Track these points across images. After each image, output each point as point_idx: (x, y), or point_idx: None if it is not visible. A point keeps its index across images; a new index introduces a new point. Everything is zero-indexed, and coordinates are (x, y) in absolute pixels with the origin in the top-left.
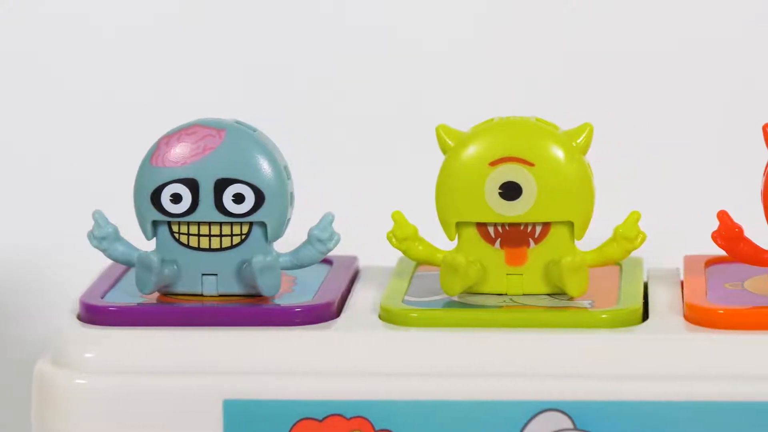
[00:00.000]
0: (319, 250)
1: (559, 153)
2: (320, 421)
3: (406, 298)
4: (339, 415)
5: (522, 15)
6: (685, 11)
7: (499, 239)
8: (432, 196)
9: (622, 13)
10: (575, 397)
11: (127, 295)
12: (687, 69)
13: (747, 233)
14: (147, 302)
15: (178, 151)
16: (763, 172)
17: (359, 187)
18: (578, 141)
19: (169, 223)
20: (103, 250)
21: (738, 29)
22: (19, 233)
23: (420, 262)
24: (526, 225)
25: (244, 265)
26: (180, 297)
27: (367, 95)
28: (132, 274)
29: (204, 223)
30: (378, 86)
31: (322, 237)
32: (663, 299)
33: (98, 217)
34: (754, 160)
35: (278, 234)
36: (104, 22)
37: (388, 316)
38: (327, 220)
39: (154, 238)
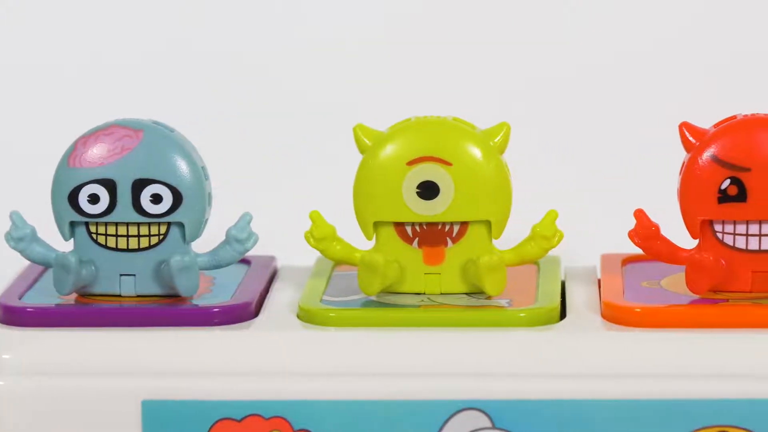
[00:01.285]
0: (237, 250)
1: (476, 152)
2: (239, 421)
3: (324, 297)
4: (258, 415)
5: (438, 14)
6: (610, 13)
7: (417, 238)
8: (350, 196)
9: (541, 12)
10: (494, 396)
11: (44, 296)
12: (604, 68)
13: (663, 232)
14: (65, 303)
15: (96, 152)
16: (679, 170)
17: (277, 187)
18: (495, 140)
19: (87, 224)
20: (21, 251)
21: (655, 33)
22: None
23: (338, 262)
24: (444, 224)
25: (162, 266)
26: (98, 298)
27: (283, 95)
28: (50, 275)
29: (122, 223)
30: (295, 86)
31: (240, 237)
32: (580, 298)
33: (15, 218)
34: (670, 159)
35: (196, 234)
36: (16, 22)
37: (306, 316)
38: (245, 220)
39: (72, 239)
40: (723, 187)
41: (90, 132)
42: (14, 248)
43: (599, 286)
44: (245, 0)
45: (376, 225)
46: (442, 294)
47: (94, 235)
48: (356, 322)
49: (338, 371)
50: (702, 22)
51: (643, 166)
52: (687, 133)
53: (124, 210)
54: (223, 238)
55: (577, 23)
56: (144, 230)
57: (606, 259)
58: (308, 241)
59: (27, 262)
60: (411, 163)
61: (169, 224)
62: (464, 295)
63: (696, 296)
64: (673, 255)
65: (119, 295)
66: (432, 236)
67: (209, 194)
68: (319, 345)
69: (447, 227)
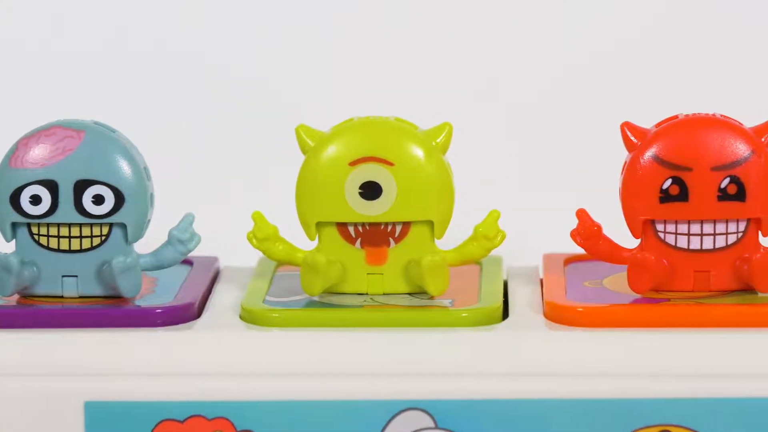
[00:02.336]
0: (179, 251)
1: (418, 152)
2: (182, 422)
3: (267, 298)
4: (200, 416)
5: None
6: (550, 11)
7: (360, 239)
8: (292, 196)
9: (482, 11)
10: (436, 396)
11: None
12: (546, 67)
13: (605, 231)
14: (7, 304)
15: (37, 153)
16: (621, 170)
17: (219, 188)
18: (438, 140)
19: (29, 225)
20: None
21: (598, 33)
22: None
23: (280, 262)
24: (387, 224)
25: (105, 267)
26: (40, 299)
27: (226, 95)
28: None
29: (64, 224)
30: (237, 86)
31: (182, 238)
32: (523, 297)
33: None
34: (612, 159)
35: (138, 235)
36: None
37: (249, 317)
38: (187, 220)
39: (14, 240)
40: (665, 186)
41: (31, 133)
42: None
43: (541, 286)
44: (186, 5)
45: (319, 225)
46: (384, 294)
47: (36, 236)
48: (299, 322)
49: (281, 372)
50: (641, 22)
51: (584, 166)
52: (628, 133)
53: (66, 211)
54: (165, 238)
55: (516, 21)
56: (86, 231)
57: (548, 258)
58: (251, 242)
59: None
60: (353, 163)
61: (111, 225)
62: (407, 295)
63: (638, 296)
64: (615, 254)
65: (61, 297)
66: (374, 236)
67: (151, 195)
68: (262, 345)
69: (389, 227)
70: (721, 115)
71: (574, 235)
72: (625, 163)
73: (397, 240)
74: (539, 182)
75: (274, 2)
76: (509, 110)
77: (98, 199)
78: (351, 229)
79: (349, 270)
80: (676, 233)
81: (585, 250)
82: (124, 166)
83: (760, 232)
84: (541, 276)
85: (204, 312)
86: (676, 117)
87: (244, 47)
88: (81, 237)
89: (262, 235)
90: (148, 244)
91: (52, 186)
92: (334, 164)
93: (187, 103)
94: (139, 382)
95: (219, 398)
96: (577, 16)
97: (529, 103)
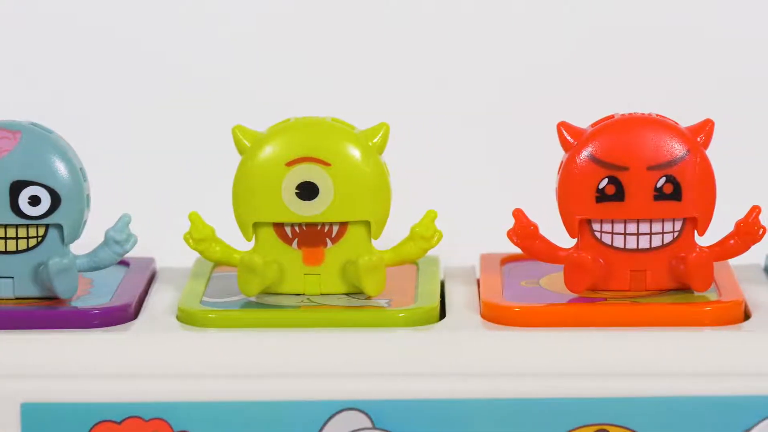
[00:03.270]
0: (116, 252)
1: (355, 153)
2: (119, 423)
3: (204, 299)
4: (137, 417)
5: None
6: (483, 10)
7: (297, 239)
8: (229, 197)
9: (414, 10)
10: (373, 396)
11: None
12: (482, 67)
13: (542, 231)
14: None
15: None
16: (557, 170)
17: (155, 188)
18: (374, 141)
19: None
20: None
21: (535, 33)
22: None
23: (217, 263)
24: (323, 225)
25: (41, 268)
26: None
27: (162, 96)
28: None
29: None
30: (173, 86)
31: (118, 238)
32: (460, 297)
33: None
34: (549, 158)
35: (75, 236)
36: None
37: (185, 318)
38: (123, 221)
39: None
40: (601, 186)
41: None
42: None
43: (478, 286)
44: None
45: (256, 226)
46: (321, 294)
47: None
48: (236, 323)
49: (218, 372)
50: (578, 22)
51: (521, 166)
52: (565, 133)
53: (2, 212)
54: (102, 239)
55: (455, 23)
56: (22, 232)
57: (485, 258)
58: (187, 243)
59: None
60: (290, 163)
61: (47, 226)
62: (344, 296)
63: (574, 295)
64: (552, 254)
65: None
66: (311, 237)
67: (87, 196)
68: (199, 346)
69: (326, 228)
70: (657, 115)
71: (511, 235)
72: (562, 162)
73: (334, 240)
74: (476, 182)
75: (210, 3)
76: (446, 110)
77: (34, 200)
78: (288, 229)
79: (286, 270)
80: (612, 233)
81: (522, 249)
82: (61, 167)
83: (696, 232)
84: (478, 276)
85: (141, 313)
86: (612, 116)
87: (182, 46)
88: (17, 238)
89: (199, 236)
90: (84, 245)
91: None
92: (270, 165)
93: (124, 104)
94: (76, 384)
95: (156, 399)
96: (514, 17)
97: (466, 104)
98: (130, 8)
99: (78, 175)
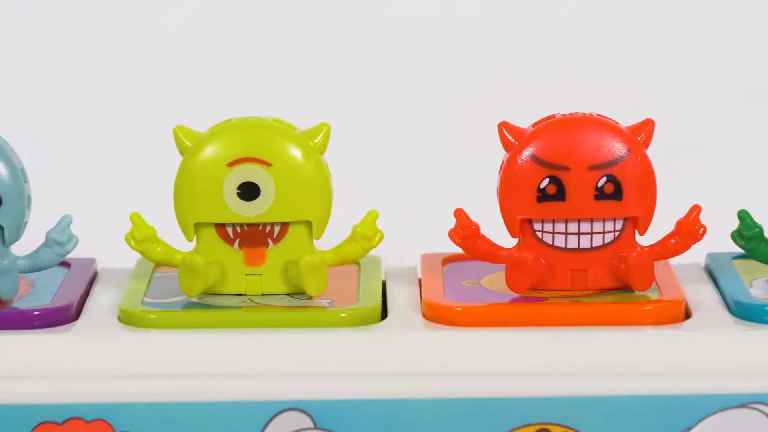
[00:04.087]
0: (57, 253)
1: (296, 153)
2: (60, 424)
3: (145, 299)
4: (79, 418)
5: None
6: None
7: (238, 239)
8: (171, 197)
9: (353, 11)
10: (315, 396)
11: None
12: (423, 68)
13: (483, 231)
14: None
15: None
16: (498, 170)
17: (96, 189)
18: (316, 141)
19: None
20: None
21: (475, 35)
22: None
23: (159, 264)
24: (265, 225)
25: None
26: None
27: (104, 97)
28: None
29: None
30: (113, 85)
31: (59, 239)
32: (401, 297)
33: None
34: (490, 158)
35: (16, 237)
36: None
37: (127, 318)
38: (64, 222)
39: None
40: (542, 186)
41: None
42: None
43: (420, 286)
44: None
45: (197, 226)
46: (263, 295)
47: None
48: (177, 323)
49: (160, 373)
50: (517, 23)
51: (462, 165)
52: (506, 133)
53: None
54: (42, 240)
55: (391, 23)
56: None
57: (426, 258)
58: (129, 243)
59: None
60: (231, 164)
61: None
62: (285, 296)
63: (516, 295)
64: (493, 254)
65: None
66: (253, 237)
67: (28, 197)
68: (140, 347)
69: (268, 228)
70: (598, 115)
71: (452, 234)
72: (503, 162)
73: (276, 240)
74: (417, 182)
75: (147, 4)
76: (386, 110)
77: None
78: (229, 229)
79: (227, 271)
80: (553, 232)
81: (463, 249)
82: (1, 168)
83: (636, 231)
84: (420, 276)
85: (82, 314)
86: (553, 116)
87: (119, 48)
88: None
89: (141, 237)
90: (25, 246)
91: None
92: (212, 165)
93: (64, 104)
94: (16, 385)
95: (97, 400)
96: (457, 17)
97: (407, 103)
98: (62, 2)
99: (19, 175)
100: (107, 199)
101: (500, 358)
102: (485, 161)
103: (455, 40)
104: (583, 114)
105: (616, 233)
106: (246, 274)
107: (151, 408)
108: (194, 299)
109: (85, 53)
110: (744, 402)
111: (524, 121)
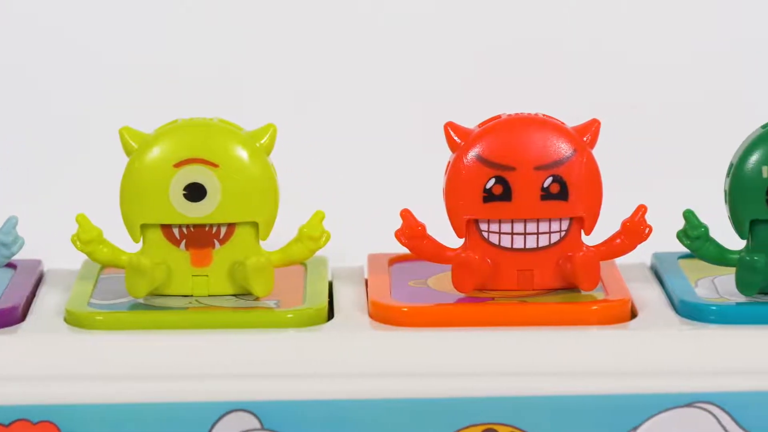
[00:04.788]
0: (2, 254)
1: (243, 154)
2: (6, 426)
3: (92, 300)
4: (25, 419)
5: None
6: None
7: (185, 240)
8: (117, 199)
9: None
10: (262, 397)
11: None
12: (368, 69)
13: (430, 231)
14: None
15: None
16: (444, 170)
17: (42, 191)
18: (262, 142)
19: None
20: None
21: (421, 34)
22: None
23: (105, 265)
24: (211, 226)
25: None
26: None
27: (49, 95)
28: None
29: None
30: (61, 85)
31: (5, 241)
32: (348, 298)
33: None
34: (436, 158)
35: None
36: None
37: (73, 319)
38: (10, 223)
39: None
40: (488, 186)
41: None
42: None
43: (366, 286)
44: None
45: (143, 227)
46: (210, 296)
47: None
48: (124, 324)
49: (106, 374)
50: (463, 22)
51: (408, 166)
52: (452, 133)
53: None
54: None
55: (341, 26)
56: None
57: (373, 258)
58: (75, 245)
59: None
60: (177, 165)
61: None
62: (232, 297)
63: (462, 295)
64: (440, 254)
65: None
66: (199, 238)
67: None
68: (87, 348)
69: (214, 229)
70: (544, 115)
71: (399, 235)
72: (449, 163)
73: (222, 241)
74: (363, 183)
75: (95, 5)
76: (332, 111)
77: None
78: (176, 230)
79: (174, 272)
80: (499, 232)
81: (409, 250)
82: None
83: (582, 231)
84: (366, 276)
85: (28, 315)
86: (499, 117)
87: (67, 49)
88: None
89: (87, 238)
90: None
91: None
92: (158, 166)
93: (10, 106)
94: None
95: (44, 402)
96: (399, 17)
97: (353, 104)
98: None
99: None
100: (53, 201)
101: (447, 358)
102: (431, 162)
103: (403, 41)
104: (529, 114)
105: (562, 233)
106: (192, 275)
107: (98, 409)
108: (140, 300)
109: (26, 55)
110: (690, 401)
111: (471, 121)
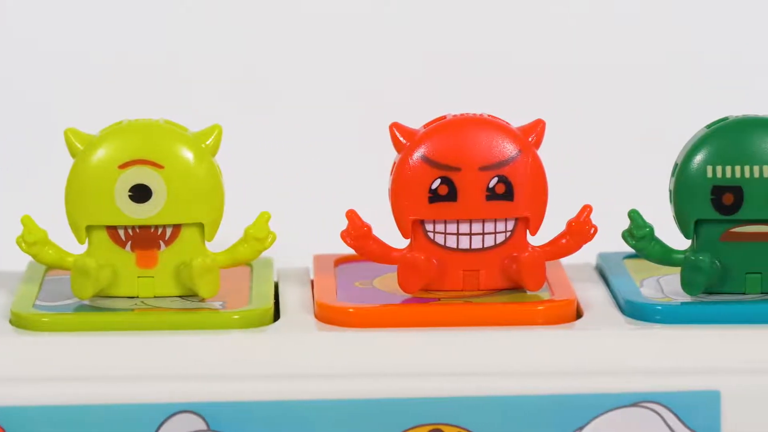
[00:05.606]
0: None
1: (188, 155)
2: None
3: (37, 302)
4: None
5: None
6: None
7: (130, 242)
8: (62, 200)
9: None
10: (208, 398)
11: None
12: (315, 68)
13: (376, 232)
14: None
15: None
16: (390, 170)
17: None
18: (207, 143)
19: None
20: None
21: (369, 34)
22: None
23: (50, 267)
24: (157, 227)
25: None
26: None
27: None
28: None
29: None
30: (3, 89)
31: None
32: (294, 299)
33: None
34: (382, 159)
35: None
36: None
37: (18, 321)
38: None
39: None
40: (434, 186)
41: None
42: None
43: (312, 287)
44: None
45: (89, 229)
46: (155, 297)
47: None
48: (69, 326)
49: (52, 376)
50: (412, 21)
51: (354, 166)
52: (397, 134)
53: None
54: None
55: (291, 28)
56: None
57: (318, 259)
58: (20, 246)
59: None
60: (123, 166)
61: None
62: (178, 298)
63: (408, 295)
64: (385, 255)
65: None
66: (145, 239)
67: None
68: (32, 350)
69: (160, 230)
70: (489, 115)
71: (344, 236)
72: (395, 163)
73: (168, 243)
74: (309, 183)
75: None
76: (278, 110)
77: None
78: (121, 232)
79: (119, 273)
80: (445, 233)
81: (355, 250)
82: None
83: (528, 231)
84: (312, 277)
85: None
86: (444, 117)
87: (13, 49)
88: None
89: (32, 239)
90: None
91: None
92: (103, 167)
93: None
94: None
95: None
96: (344, 18)
97: (299, 104)
98: None
99: None
100: None
101: (393, 358)
102: (377, 162)
103: (348, 41)
104: (474, 115)
105: (508, 233)
106: (138, 277)
107: (44, 411)
108: (86, 302)
109: None
110: (635, 401)
111: (417, 122)
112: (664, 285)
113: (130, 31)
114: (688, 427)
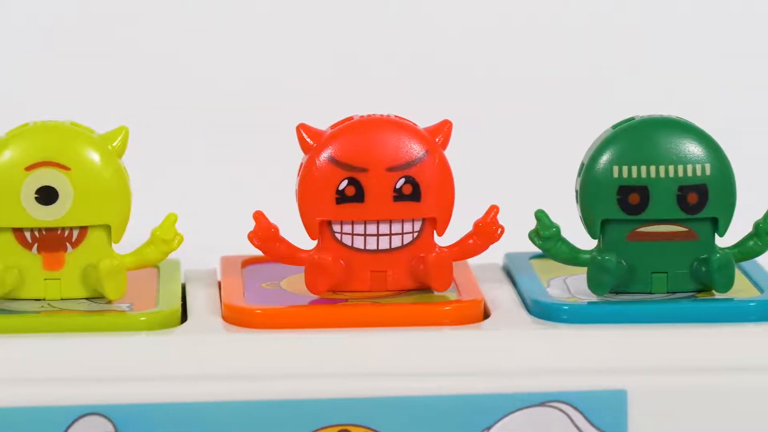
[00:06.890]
0: None
1: (94, 157)
2: None
3: None
4: None
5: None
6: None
7: (36, 244)
8: None
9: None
10: (116, 401)
11: None
12: (225, 70)
13: (283, 232)
14: None
15: None
16: (297, 171)
17: None
18: (114, 144)
19: None
20: None
21: (289, 42)
22: None
23: None
24: (64, 229)
25: None
26: None
27: None
28: None
29: None
30: None
31: None
32: (201, 300)
33: None
34: (290, 159)
35: None
36: None
37: None
38: None
39: None
40: (341, 187)
41: None
42: None
43: (220, 289)
44: None
45: None
46: (62, 299)
47: None
48: None
49: None
50: (324, 23)
51: (262, 167)
52: (304, 135)
53: None
54: None
55: (236, 30)
56: None
57: (226, 261)
58: None
59: None
60: (29, 168)
61: None
62: (85, 300)
63: (315, 297)
64: (293, 256)
65: None
66: (51, 241)
67: None
68: None
69: (66, 232)
70: (396, 116)
71: (252, 237)
72: (302, 164)
73: (75, 245)
74: (216, 185)
75: None
76: (185, 111)
77: None
78: (27, 234)
79: (25, 276)
80: (352, 234)
81: (262, 251)
82: None
83: (435, 232)
84: (219, 278)
85: None
86: (351, 118)
87: None
88: None
89: None
90: None
91: None
92: (8, 169)
93: None
94: None
95: None
96: (257, 19)
97: (207, 104)
98: None
99: None
100: None
101: (300, 359)
102: (284, 163)
103: (256, 42)
104: (381, 115)
105: (415, 234)
106: (45, 279)
107: None
108: None
109: None
110: (542, 400)
111: (323, 122)
112: (570, 285)
113: (36, 32)
114: (595, 427)
